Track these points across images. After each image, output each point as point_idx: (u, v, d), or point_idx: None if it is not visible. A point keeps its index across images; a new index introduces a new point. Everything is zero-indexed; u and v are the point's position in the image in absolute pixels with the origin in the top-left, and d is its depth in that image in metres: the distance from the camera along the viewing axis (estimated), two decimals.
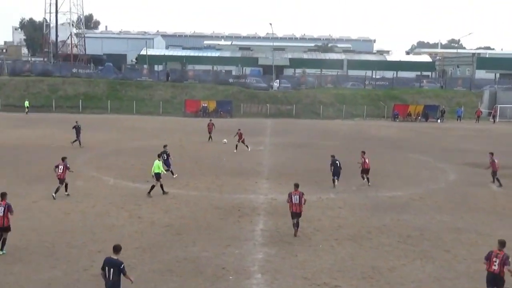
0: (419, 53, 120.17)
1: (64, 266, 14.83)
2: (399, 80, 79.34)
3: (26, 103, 62.98)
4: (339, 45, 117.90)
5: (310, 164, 32.41)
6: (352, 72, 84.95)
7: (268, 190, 24.89)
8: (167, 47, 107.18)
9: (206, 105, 64.21)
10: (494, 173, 27.14)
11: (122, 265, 11.23)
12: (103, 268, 11.36)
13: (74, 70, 74.49)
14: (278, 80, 76.09)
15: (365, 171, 26.54)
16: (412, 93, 72.67)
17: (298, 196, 17.84)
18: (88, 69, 76.21)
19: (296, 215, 17.86)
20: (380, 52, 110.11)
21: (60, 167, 22.43)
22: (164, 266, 14.99)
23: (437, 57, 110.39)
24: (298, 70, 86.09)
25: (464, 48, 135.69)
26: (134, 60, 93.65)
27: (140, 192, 23.78)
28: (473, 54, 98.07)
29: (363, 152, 26.91)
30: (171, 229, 18.42)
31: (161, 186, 23.28)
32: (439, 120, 64.81)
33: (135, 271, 14.53)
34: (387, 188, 26.06)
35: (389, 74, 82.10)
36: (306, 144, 41.02)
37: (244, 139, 36.48)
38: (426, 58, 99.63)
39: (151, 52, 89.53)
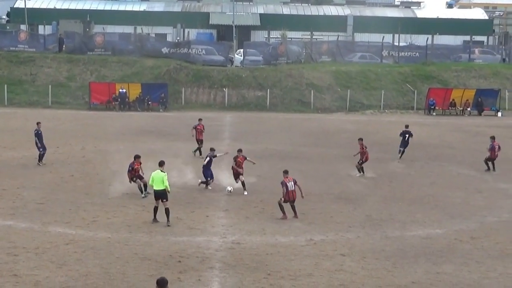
0: (469, 6, 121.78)
1: None
2: (437, 49, 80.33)
3: None
4: None
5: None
6: (361, 37, 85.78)
7: (227, 229, 24.93)
8: None
9: (124, 90, 63.95)
10: (490, 160, 36.61)
11: None
12: None
13: None
14: (242, 51, 76.20)
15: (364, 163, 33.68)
16: (457, 71, 73.69)
17: (292, 183, 25.86)
18: None
19: (292, 202, 26.05)
20: (406, 5, 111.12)
21: None
22: None
23: (497, 13, 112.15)
24: (275, 34, 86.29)
25: None
26: (4, 16, 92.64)
27: (16, 234, 23.55)
28: None
29: (361, 140, 34.21)
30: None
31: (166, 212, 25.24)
32: (499, 113, 65.93)
33: None
34: (418, 223, 26.41)
35: (421, 40, 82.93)
36: (286, 154, 41.19)
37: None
38: (479, 14, 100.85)
39: (32, 3, 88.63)
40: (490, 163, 37.15)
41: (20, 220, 25.37)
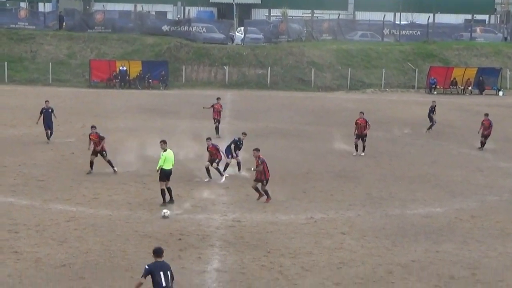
0: None
1: None
2: (438, 28, 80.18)
3: None
4: None
5: (295, 163, 32.64)
6: (362, 15, 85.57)
7: (228, 207, 25.00)
8: None
9: (125, 68, 63.86)
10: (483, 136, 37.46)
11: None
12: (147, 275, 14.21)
13: None
14: (242, 28, 76.02)
15: (361, 136, 34.76)
16: (459, 49, 73.61)
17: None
18: None
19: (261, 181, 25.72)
20: None
21: None
22: None
23: None
24: (275, 12, 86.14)
25: None
26: None
27: (18, 211, 23.62)
28: None
29: (362, 113, 35.66)
30: (69, 272, 18.35)
31: (168, 190, 25.12)
32: (501, 92, 65.90)
33: None
34: (418, 202, 26.48)
35: (422, 18, 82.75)
36: (287, 132, 41.23)
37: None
38: None
39: None
40: (484, 140, 37.53)
41: (21, 197, 25.43)
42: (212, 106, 39.72)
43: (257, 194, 25.79)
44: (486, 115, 38.16)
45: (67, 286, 17.44)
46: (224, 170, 29.53)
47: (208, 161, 28.87)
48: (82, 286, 17.43)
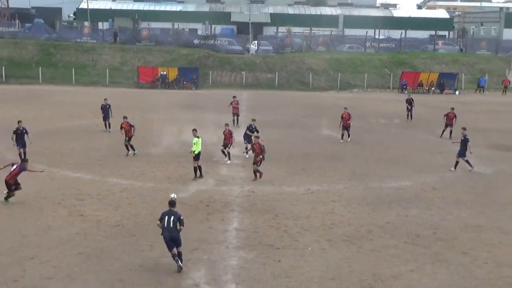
0: (434, 8, 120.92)
1: None
2: (408, 41, 79.83)
3: None
4: None
5: (296, 147, 32.74)
6: (349, 32, 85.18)
7: (245, 181, 25.11)
8: None
9: (165, 73, 64.01)
10: (446, 126, 36.22)
11: (181, 217, 15.95)
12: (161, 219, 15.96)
13: None
14: (256, 42, 75.96)
15: (346, 127, 34.20)
16: (424, 58, 73.33)
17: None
18: (12, 27, 74.94)
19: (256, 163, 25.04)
20: (385, 6, 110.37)
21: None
22: (114, 276, 15.15)
23: (456, 13, 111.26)
24: (282, 29, 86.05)
25: (490, 1, 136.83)
26: (71, 15, 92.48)
27: (83, 184, 23.83)
28: (501, 8, 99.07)
29: (346, 108, 34.83)
30: (122, 230, 18.55)
31: (199, 168, 25.27)
32: (457, 92, 65.67)
33: (77, 282, 14.68)
34: (392, 177, 26.52)
35: (396, 34, 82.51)
36: (291, 123, 41.27)
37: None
38: (442, 14, 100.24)
39: (93, 5, 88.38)
40: (445, 129, 36.48)
41: (85, 172, 25.65)
42: (231, 104, 39.61)
43: (253, 176, 25.13)
44: (452, 108, 37.18)
45: (121, 241, 17.63)
46: (247, 152, 29.36)
47: (223, 145, 28.82)
48: (133, 242, 17.63)
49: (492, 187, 25.28)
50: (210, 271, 15.55)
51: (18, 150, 27.20)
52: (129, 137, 29.72)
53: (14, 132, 27.36)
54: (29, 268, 15.49)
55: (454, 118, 36.35)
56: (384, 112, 48.11)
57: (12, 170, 21.03)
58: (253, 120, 31.23)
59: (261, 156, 24.94)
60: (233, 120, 38.67)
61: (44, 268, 15.53)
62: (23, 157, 25.79)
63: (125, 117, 30.11)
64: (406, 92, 64.19)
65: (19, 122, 27.89)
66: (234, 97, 40.07)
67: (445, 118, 36.66)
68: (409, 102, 44.24)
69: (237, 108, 39.48)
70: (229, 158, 28.60)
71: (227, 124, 29.68)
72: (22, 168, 21.19)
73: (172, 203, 16.12)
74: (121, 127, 29.94)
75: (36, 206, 20.74)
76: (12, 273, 15.13)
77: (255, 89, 63.87)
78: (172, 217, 15.69)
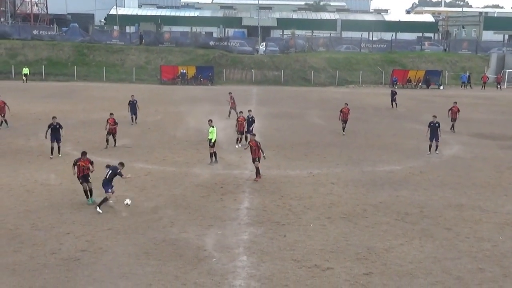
0: (421, 12, 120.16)
1: (29, 250, 14.90)
2: (398, 42, 79.42)
3: (25, 70, 61.57)
4: (332, 4, 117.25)
5: (299, 136, 32.59)
6: (346, 34, 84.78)
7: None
8: (139, 6, 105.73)
9: (184, 71, 63.87)
10: (452, 120, 34.35)
11: (119, 170, 18.10)
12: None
13: (35, 32, 73.35)
14: (264, 43, 75.74)
15: (345, 120, 32.75)
16: (413, 57, 72.90)
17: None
18: (51, 31, 75.06)
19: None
20: (378, 11, 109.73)
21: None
22: (140, 249, 15.12)
23: (441, 17, 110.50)
24: (287, 32, 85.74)
25: (470, 6, 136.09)
26: (102, 20, 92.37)
27: None
28: (480, 13, 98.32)
29: (346, 104, 33.58)
30: (146, 209, 18.52)
31: (214, 154, 25.00)
32: (441, 87, 65.24)
33: (107, 254, 14.66)
34: (384, 162, 26.34)
35: (387, 36, 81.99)
36: (295, 114, 41.13)
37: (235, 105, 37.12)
38: (428, 18, 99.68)
39: (121, 11, 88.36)
40: (453, 123, 34.46)
41: (113, 158, 25.49)
42: (231, 97, 38.02)
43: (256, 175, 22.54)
44: (455, 102, 35.13)
45: (146, 219, 17.60)
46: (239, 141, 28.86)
47: (236, 131, 28.84)
48: (156, 219, 17.59)
49: (472, 170, 25.08)
50: (224, 245, 15.50)
51: (51, 144, 25.44)
52: (112, 133, 27.90)
53: (49, 126, 25.50)
54: (65, 242, 15.49)
55: (458, 112, 34.47)
56: (377, 104, 47.83)
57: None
58: (249, 110, 30.27)
59: (260, 152, 22.32)
60: (229, 112, 37.19)
61: (79, 242, 15.52)
62: (56, 151, 25.21)
63: (111, 114, 28.47)
64: (396, 87, 64.07)
65: (53, 118, 26.01)
66: (229, 93, 38.76)
67: (450, 112, 34.61)
68: (393, 93, 45.67)
69: (233, 103, 37.77)
70: (239, 143, 28.62)
71: (241, 112, 29.67)
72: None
73: (121, 163, 18.79)
74: (107, 122, 27.88)
75: (72, 187, 20.70)
76: (51, 247, 15.14)
77: (263, 85, 63.65)
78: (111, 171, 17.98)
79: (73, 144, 28.56)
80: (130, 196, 19.49)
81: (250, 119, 29.14)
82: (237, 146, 28.53)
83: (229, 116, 37.23)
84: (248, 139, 24.40)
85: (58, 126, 25.55)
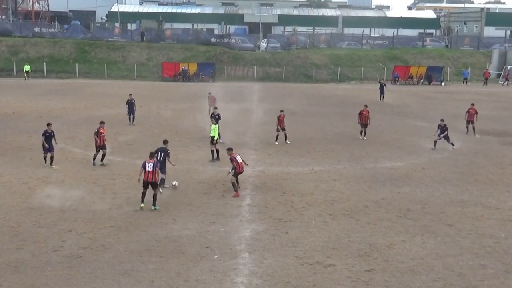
0: (422, 8, 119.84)
1: (32, 247, 14.91)
2: (400, 38, 79.35)
3: (27, 68, 61.54)
4: (333, 0, 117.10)
5: (301, 132, 32.56)
6: (348, 30, 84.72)
7: (256, 162, 24.99)
8: (141, 3, 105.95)
9: (186, 68, 63.81)
10: (468, 123, 32.34)
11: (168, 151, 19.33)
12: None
13: (37, 29, 73.31)
14: (265, 40, 75.68)
15: (365, 124, 30.46)
16: (414, 53, 72.82)
17: (239, 156, 20.31)
18: (52, 28, 75.08)
19: (241, 173, 20.23)
20: (379, 8, 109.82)
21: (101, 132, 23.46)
22: (142, 246, 15.12)
23: (442, 13, 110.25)
24: (288, 28, 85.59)
25: (472, 2, 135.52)
26: (104, 17, 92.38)
27: (115, 165, 23.80)
28: (482, 9, 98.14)
29: (366, 106, 31.06)
30: (149, 206, 18.52)
31: (216, 151, 24.79)
32: (443, 83, 65.15)
33: (110, 251, 14.67)
34: (386, 158, 26.32)
35: (389, 32, 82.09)
36: (296, 111, 41.07)
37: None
38: (430, 14, 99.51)
39: (123, 8, 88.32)
40: (468, 126, 32.55)
41: (116, 155, 25.65)
42: (209, 96, 36.63)
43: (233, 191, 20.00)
44: (472, 104, 32.82)
45: (147, 216, 17.61)
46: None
47: (278, 129, 29.11)
48: (158, 216, 17.60)
49: (474, 166, 25.06)
50: (226, 242, 15.50)
51: (44, 154, 23.34)
52: (100, 147, 23.62)
53: (44, 134, 23.22)
54: (67, 239, 15.50)
55: (475, 114, 32.18)
56: (379, 101, 47.74)
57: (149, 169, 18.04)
58: (215, 108, 30.23)
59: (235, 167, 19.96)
60: (209, 110, 35.18)
61: (81, 239, 15.54)
62: (49, 162, 22.93)
63: (102, 122, 24.22)
64: (398, 83, 64.13)
65: (48, 124, 23.69)
66: (209, 93, 37.46)
67: (467, 115, 32.42)
68: (382, 86, 46.65)
69: (214, 101, 35.71)
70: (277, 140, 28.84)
71: (282, 110, 29.56)
72: (157, 164, 18.45)
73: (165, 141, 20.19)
74: (99, 133, 23.55)
75: (73, 185, 20.74)
76: (53, 244, 15.15)
77: (265, 81, 63.62)
78: (163, 153, 19.31)
79: (76, 141, 28.56)
80: (132, 193, 19.53)
81: (217, 116, 28.06)
82: (276, 143, 28.76)
83: (209, 113, 36.72)
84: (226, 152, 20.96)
85: (52, 134, 23.37)
